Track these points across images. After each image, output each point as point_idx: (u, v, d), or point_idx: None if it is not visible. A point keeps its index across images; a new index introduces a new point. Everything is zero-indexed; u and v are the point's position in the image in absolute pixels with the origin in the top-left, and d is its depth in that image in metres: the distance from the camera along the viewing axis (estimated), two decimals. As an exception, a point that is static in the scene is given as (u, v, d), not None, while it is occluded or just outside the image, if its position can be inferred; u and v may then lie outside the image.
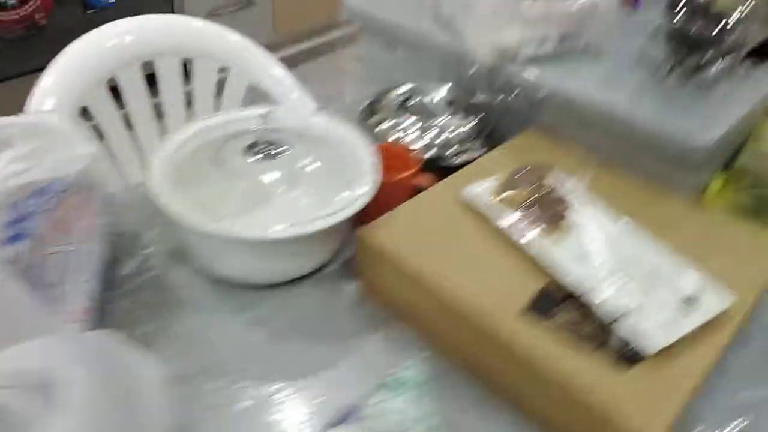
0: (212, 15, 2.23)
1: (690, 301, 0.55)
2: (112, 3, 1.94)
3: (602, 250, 0.59)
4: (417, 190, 0.70)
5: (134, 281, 0.64)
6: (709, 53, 0.72)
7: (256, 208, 0.64)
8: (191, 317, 0.62)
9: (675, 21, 0.72)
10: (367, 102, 0.80)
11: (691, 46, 0.72)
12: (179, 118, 1.10)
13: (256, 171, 0.64)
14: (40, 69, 0.93)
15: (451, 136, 0.76)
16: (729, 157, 0.79)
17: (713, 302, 0.55)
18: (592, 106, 0.72)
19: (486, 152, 0.76)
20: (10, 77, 1.78)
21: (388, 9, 0.92)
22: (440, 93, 0.82)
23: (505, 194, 0.65)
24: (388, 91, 0.82)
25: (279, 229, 0.56)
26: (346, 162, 0.66)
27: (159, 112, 1.07)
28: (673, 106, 0.72)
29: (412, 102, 0.80)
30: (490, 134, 0.79)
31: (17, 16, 1.74)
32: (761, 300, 0.59)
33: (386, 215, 0.64)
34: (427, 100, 0.80)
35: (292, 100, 1.12)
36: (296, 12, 2.57)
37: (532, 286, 0.57)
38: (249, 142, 0.64)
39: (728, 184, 0.78)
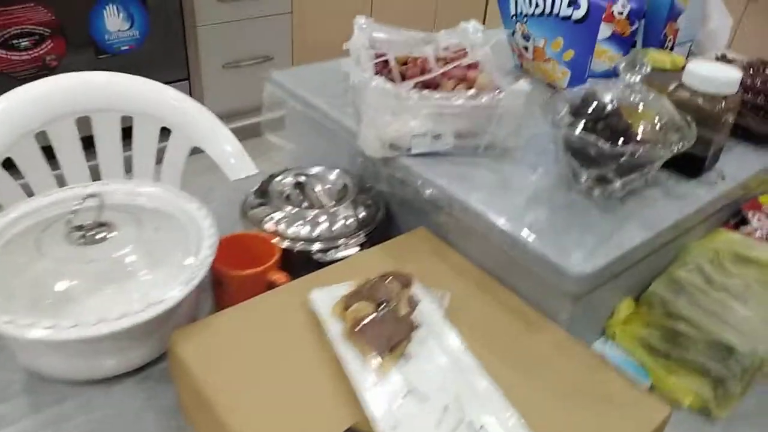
0: (229, 67, 2.27)
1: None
2: (126, 50, 1.99)
3: (431, 390, 0.51)
4: (271, 286, 0.64)
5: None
6: (613, 167, 0.63)
7: (71, 301, 0.58)
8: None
9: (575, 130, 0.64)
10: (255, 187, 0.75)
11: (593, 159, 0.64)
12: (116, 173, 1.08)
13: (77, 258, 0.59)
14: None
15: (334, 228, 0.70)
16: (642, 283, 0.70)
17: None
18: (476, 213, 0.65)
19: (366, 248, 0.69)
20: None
21: (309, 90, 0.88)
22: (332, 180, 0.77)
23: (352, 307, 0.58)
24: (279, 174, 0.77)
25: (65, 328, 0.51)
26: (181, 247, 0.61)
27: (97, 171, 1.06)
28: (564, 224, 0.64)
29: (302, 188, 0.75)
30: (377, 229, 0.73)
31: (29, 57, 1.81)
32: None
33: (209, 317, 0.58)
34: (318, 188, 0.74)
35: (230, 165, 1.09)
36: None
37: (340, 425, 0.49)
38: (75, 224, 0.59)
39: (636, 315, 0.68)
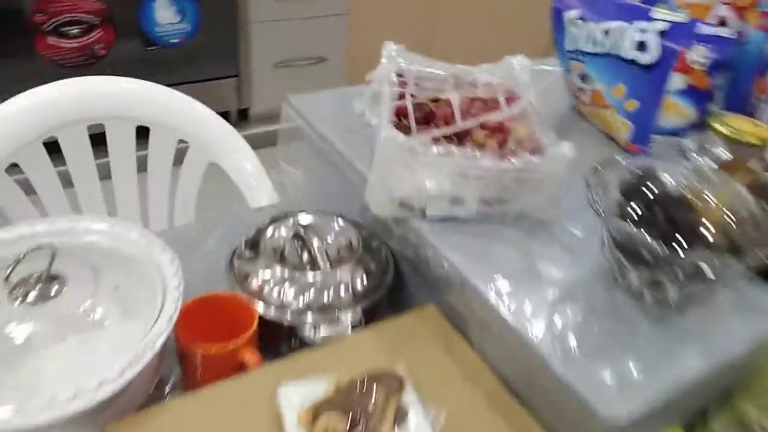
0: (281, 66, 2.20)
1: None
2: (176, 43, 1.95)
3: None
4: (241, 366, 0.55)
5: None
6: (671, 273, 0.51)
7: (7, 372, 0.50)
8: None
9: (625, 221, 0.52)
10: (245, 238, 0.66)
11: (646, 260, 0.51)
12: (131, 189, 1.02)
13: (18, 319, 0.51)
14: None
15: (327, 297, 0.60)
16: (695, 406, 0.57)
17: None
18: (491, 306, 0.54)
19: (361, 325, 0.59)
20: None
21: (326, 120, 0.78)
22: (337, 233, 0.67)
23: (322, 418, 0.47)
24: (279, 219, 0.68)
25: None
26: (140, 306, 0.53)
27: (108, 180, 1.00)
28: (601, 337, 0.51)
29: (301, 241, 0.65)
30: (382, 298, 0.63)
31: (77, 45, 1.79)
32: None
33: (153, 409, 0.49)
34: (317, 243, 0.64)
35: (250, 186, 1.01)
36: (370, 70, 2.50)
37: None
38: (19, 276, 0.52)
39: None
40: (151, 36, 1.90)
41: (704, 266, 0.48)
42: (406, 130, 0.62)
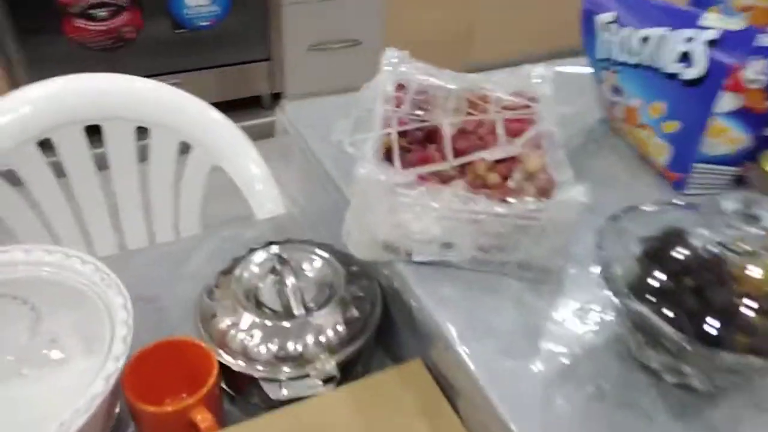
0: (314, 50, 2.12)
1: None
2: (206, 26, 1.90)
3: None
4: (194, 428, 0.49)
5: None
6: (699, 366, 0.41)
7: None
8: None
9: (642, 299, 0.42)
10: (218, 272, 0.59)
11: (668, 348, 0.42)
12: (131, 190, 0.97)
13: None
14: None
15: (299, 347, 0.53)
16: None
17: None
18: (476, 381, 0.46)
19: (335, 380, 0.53)
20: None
21: (318, 132, 0.71)
22: (318, 268, 0.60)
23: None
24: (257, 250, 0.61)
25: None
26: (87, 350, 0.47)
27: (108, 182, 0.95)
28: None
29: (279, 275, 0.59)
30: (365, 345, 0.56)
31: (105, 28, 1.76)
32: None
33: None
34: (292, 280, 0.57)
35: (255, 192, 0.95)
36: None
37: None
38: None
39: None
40: (180, 18, 1.85)
41: (741, 360, 0.39)
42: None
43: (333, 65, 2.21)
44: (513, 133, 0.60)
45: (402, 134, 0.60)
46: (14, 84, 1.72)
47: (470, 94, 0.66)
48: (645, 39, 0.67)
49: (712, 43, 0.62)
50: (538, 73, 0.69)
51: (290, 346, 0.53)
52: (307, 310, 0.56)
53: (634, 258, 0.46)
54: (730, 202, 0.42)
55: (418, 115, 0.62)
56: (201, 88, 2.08)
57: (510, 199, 0.50)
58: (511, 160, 0.57)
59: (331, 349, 0.54)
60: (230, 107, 2.21)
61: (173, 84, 2.04)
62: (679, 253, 0.44)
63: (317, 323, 0.55)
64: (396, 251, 0.53)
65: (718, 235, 0.43)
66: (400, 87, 0.67)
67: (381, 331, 0.58)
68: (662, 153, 0.68)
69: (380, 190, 0.49)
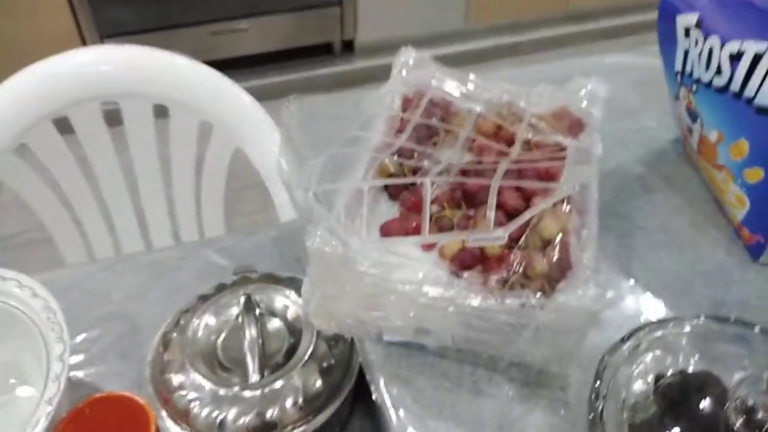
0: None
1: None
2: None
3: None
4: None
5: None
6: None
7: None
8: None
9: None
10: (178, 313, 0.53)
11: None
12: (152, 173, 0.92)
13: None
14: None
15: (253, 417, 0.46)
16: None
17: None
18: None
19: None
20: (154, 29, 1.77)
21: (312, 139, 0.61)
22: (289, 318, 0.52)
23: None
24: (221, 289, 0.54)
25: None
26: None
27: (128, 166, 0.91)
28: None
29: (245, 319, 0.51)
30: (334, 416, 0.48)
31: (170, -31, 1.69)
32: None
33: None
34: (252, 333, 0.50)
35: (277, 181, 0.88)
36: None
37: None
38: None
39: None
40: (248, -41, 1.76)
41: None
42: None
43: (410, 9, 2.05)
44: (543, 178, 0.48)
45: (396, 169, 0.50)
46: (84, 37, 1.70)
47: (496, 117, 0.54)
48: (735, 55, 0.51)
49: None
50: (590, 90, 0.55)
51: (238, 418, 0.46)
52: (268, 372, 0.49)
53: (645, 396, 0.34)
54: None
55: (419, 148, 0.51)
56: (269, 35, 2.03)
57: (498, 293, 0.39)
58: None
59: (286, 424, 0.47)
60: (299, 54, 2.14)
61: (241, 30, 1.97)
62: (701, 403, 0.32)
63: (273, 392, 0.47)
64: (364, 328, 0.44)
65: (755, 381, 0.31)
66: (408, 101, 0.56)
67: (361, 392, 0.50)
68: (740, 206, 0.53)
69: (337, 263, 0.40)
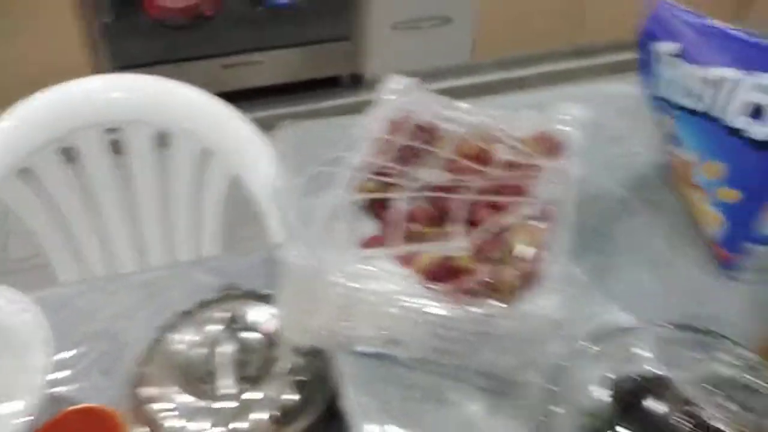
0: (400, 28, 2.02)
1: None
2: (285, 3, 1.85)
3: None
4: None
5: None
6: None
7: None
8: None
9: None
10: (158, 328, 0.54)
11: None
12: (153, 201, 0.94)
13: None
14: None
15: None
16: None
17: None
18: None
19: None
20: (166, 61, 1.82)
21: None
22: (267, 334, 0.53)
23: None
24: (204, 306, 0.55)
25: None
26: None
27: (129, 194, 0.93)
28: None
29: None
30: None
31: (183, 6, 1.75)
32: None
33: None
34: (229, 348, 0.51)
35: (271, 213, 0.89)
36: (502, 34, 2.21)
37: None
38: None
39: None
40: (259, -5, 1.82)
41: None
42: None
43: (420, 44, 2.09)
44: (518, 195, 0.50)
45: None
46: (97, 67, 1.76)
47: (477, 139, 0.55)
48: (710, 81, 0.53)
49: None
50: (569, 116, 0.57)
51: (212, 430, 0.47)
52: (244, 385, 0.50)
53: (602, 402, 0.35)
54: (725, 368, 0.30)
55: (400, 167, 0.52)
56: (279, 68, 2.08)
57: (463, 302, 0.40)
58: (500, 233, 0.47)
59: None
60: (308, 87, 2.19)
61: (252, 63, 2.00)
62: (656, 409, 0.32)
63: (248, 404, 0.48)
64: (336, 339, 0.45)
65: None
66: (395, 125, 0.57)
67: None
68: (714, 224, 0.54)
69: (311, 276, 0.41)
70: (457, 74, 2.25)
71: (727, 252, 0.53)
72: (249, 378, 0.50)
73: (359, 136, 0.57)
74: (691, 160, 0.56)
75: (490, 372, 0.42)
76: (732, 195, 0.52)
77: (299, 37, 1.94)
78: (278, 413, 0.48)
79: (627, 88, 0.82)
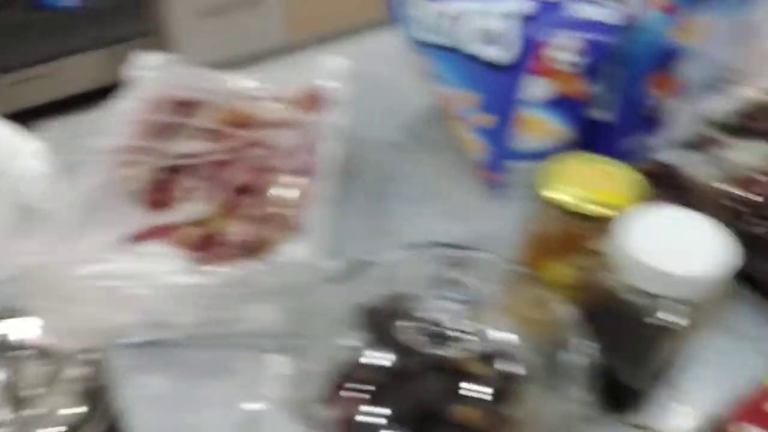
0: (206, 15, 1.94)
1: None
2: (71, 5, 1.70)
3: None
4: None
5: None
6: None
7: None
8: None
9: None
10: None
11: None
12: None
13: None
14: None
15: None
16: None
17: None
18: None
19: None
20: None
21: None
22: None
23: None
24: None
25: None
26: None
27: None
28: None
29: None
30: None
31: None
32: None
33: None
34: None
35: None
36: (316, 17, 2.21)
37: None
38: None
39: None
40: (37, -3, 1.66)
41: None
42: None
43: (230, 30, 2.03)
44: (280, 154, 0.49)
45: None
46: None
47: (237, 107, 0.54)
48: (447, 14, 0.55)
49: (529, 20, 0.51)
50: (329, 69, 0.57)
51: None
52: (26, 406, 0.45)
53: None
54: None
55: (158, 145, 0.50)
56: (82, 74, 1.92)
57: (224, 265, 0.39)
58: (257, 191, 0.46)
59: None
60: (110, 94, 2.05)
61: (47, 75, 1.81)
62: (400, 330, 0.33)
63: (28, 424, 0.44)
64: (102, 336, 0.42)
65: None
66: (155, 105, 0.55)
67: None
68: (477, 150, 0.57)
69: (59, 275, 0.38)
70: (273, 56, 2.21)
71: (493, 173, 0.56)
72: (30, 398, 0.46)
73: (116, 120, 0.54)
74: (450, 94, 0.58)
75: (264, 332, 0.41)
76: (486, 119, 0.55)
77: (98, 40, 1.81)
78: (65, 428, 0.44)
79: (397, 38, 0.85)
